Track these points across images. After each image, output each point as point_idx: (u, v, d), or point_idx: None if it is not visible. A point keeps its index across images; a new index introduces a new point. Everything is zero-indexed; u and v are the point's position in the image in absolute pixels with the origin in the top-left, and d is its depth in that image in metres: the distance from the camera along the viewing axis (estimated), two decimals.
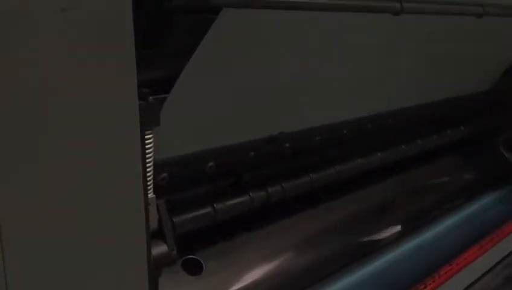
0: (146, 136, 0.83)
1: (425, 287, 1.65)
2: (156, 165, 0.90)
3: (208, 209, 1.18)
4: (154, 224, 0.92)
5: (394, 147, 1.76)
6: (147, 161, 0.83)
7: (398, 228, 1.73)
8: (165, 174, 1.08)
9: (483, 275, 1.77)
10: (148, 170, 0.84)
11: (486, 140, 2.34)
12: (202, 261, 1.20)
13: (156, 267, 0.90)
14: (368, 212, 1.67)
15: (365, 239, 1.61)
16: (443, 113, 2.02)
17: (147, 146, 0.83)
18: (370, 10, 1.14)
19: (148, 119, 0.81)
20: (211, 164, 1.19)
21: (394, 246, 1.65)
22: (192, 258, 1.20)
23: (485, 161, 2.26)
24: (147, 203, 0.79)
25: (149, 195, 0.87)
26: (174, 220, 1.08)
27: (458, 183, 2.12)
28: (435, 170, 2.04)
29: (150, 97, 0.83)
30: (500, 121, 2.33)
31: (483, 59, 2.02)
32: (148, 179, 0.86)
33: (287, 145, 1.37)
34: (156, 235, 0.94)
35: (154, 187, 0.91)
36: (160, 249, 0.93)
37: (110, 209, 0.70)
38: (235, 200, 1.24)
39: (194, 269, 1.18)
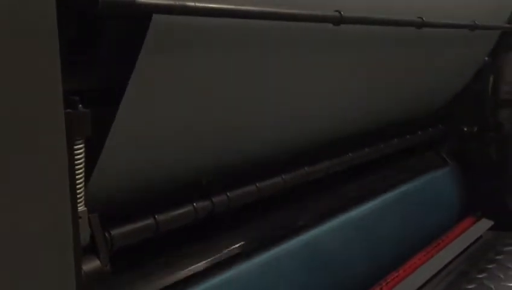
0: (75, 146, 0.79)
1: None
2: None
3: (149, 221, 1.15)
4: (86, 239, 0.88)
5: (340, 156, 1.77)
6: (77, 172, 0.80)
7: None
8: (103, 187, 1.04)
9: (427, 281, 1.81)
10: (78, 181, 0.81)
11: (431, 149, 2.42)
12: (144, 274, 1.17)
13: (88, 283, 0.86)
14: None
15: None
16: (392, 126, 2.06)
17: (77, 156, 0.79)
18: (310, 19, 1.13)
19: (77, 128, 0.78)
20: None
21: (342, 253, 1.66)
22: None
23: (429, 168, 2.32)
24: (76, 217, 0.75)
25: (80, 209, 0.83)
26: (112, 233, 1.04)
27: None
28: (382, 179, 2.07)
29: (80, 106, 0.80)
30: (444, 133, 2.42)
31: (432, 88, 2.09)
32: (79, 191, 0.82)
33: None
34: (89, 250, 0.90)
35: (88, 201, 0.87)
36: (92, 264, 0.89)
37: (33, 222, 0.67)
38: (178, 212, 1.21)
39: None
